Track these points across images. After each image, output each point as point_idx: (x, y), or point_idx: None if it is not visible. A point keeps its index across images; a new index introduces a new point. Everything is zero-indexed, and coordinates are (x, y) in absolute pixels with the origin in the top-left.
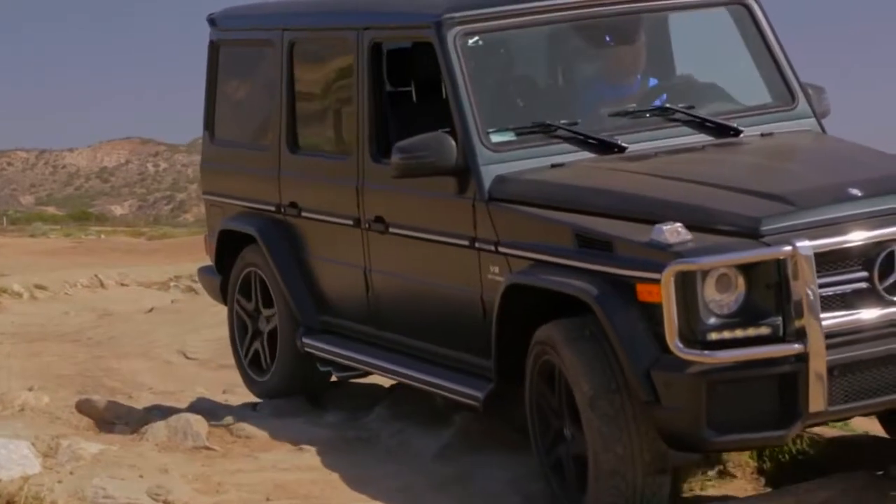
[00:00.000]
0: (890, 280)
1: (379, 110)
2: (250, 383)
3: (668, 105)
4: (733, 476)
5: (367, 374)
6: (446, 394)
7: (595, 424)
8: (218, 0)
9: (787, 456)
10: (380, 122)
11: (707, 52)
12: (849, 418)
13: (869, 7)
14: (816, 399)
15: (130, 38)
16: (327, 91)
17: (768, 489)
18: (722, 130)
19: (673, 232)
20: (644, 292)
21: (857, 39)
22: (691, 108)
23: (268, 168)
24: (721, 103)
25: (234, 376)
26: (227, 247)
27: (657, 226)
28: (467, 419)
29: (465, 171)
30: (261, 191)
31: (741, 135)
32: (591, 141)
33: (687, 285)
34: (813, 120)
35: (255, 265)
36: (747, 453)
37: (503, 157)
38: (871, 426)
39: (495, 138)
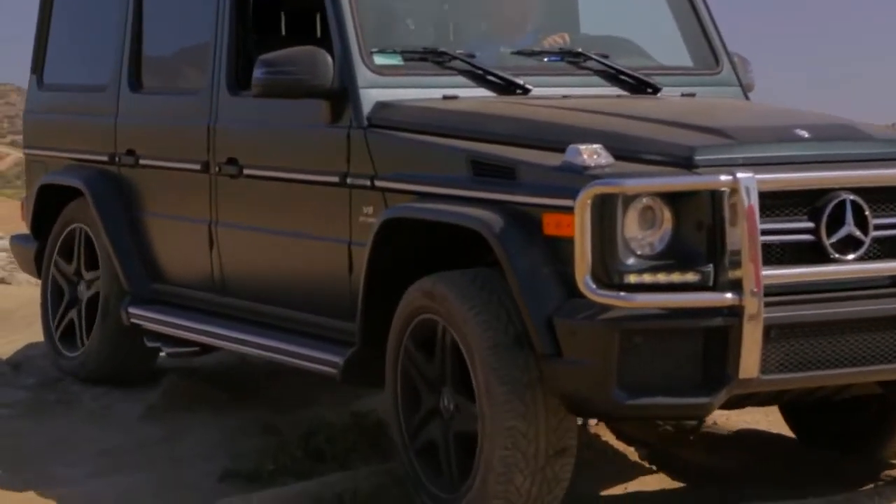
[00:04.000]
0: (838, 235)
1: (241, 35)
2: (58, 357)
3: (580, 50)
4: None
5: (203, 350)
6: (300, 362)
7: (491, 389)
8: None
9: None
10: (241, 48)
11: (621, 9)
12: (778, 396)
13: None
14: (749, 363)
15: None
16: (181, 19)
17: None
18: (639, 86)
19: (591, 153)
20: (552, 224)
21: None
22: (606, 57)
23: (103, 113)
24: (638, 59)
25: None
26: (47, 207)
27: (572, 146)
28: (174, 380)
29: (340, 95)
30: (93, 139)
31: (659, 93)
32: (490, 77)
33: (605, 215)
34: (738, 89)
35: (80, 221)
36: None
37: (387, 83)
38: None
39: (379, 60)
